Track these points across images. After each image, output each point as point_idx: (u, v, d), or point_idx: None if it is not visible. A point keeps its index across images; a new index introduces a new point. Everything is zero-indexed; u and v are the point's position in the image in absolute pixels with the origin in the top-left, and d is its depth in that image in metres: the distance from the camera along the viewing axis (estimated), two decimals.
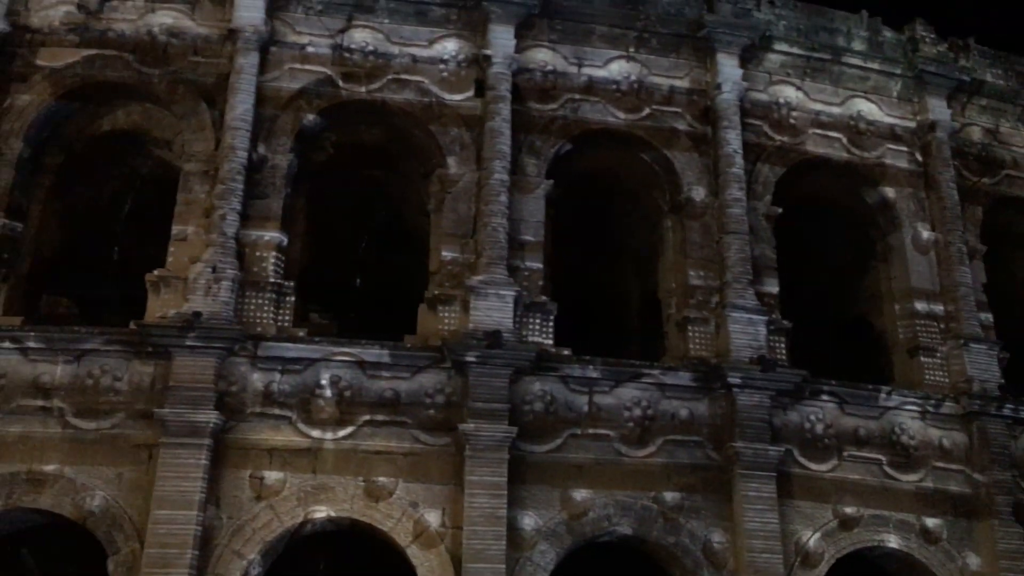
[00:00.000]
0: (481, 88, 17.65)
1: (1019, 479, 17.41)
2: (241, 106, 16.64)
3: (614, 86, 18.46)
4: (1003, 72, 21.38)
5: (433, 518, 14.73)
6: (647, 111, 18.46)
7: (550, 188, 17.58)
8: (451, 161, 17.27)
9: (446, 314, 16.13)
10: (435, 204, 17.30)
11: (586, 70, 18.46)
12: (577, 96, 18.26)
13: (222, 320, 15.08)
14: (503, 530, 14.47)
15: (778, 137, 18.97)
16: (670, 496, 15.71)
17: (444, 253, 16.64)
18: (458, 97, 17.68)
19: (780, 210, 18.48)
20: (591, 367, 16.05)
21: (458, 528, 14.56)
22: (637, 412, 16.07)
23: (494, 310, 15.82)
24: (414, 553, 14.57)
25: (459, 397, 15.36)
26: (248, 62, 16.95)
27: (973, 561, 16.66)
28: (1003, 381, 17.91)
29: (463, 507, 14.59)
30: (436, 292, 16.37)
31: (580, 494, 15.38)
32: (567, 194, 18.17)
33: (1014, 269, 21.26)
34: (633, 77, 18.60)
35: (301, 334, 15.80)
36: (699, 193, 18.12)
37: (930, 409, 17.37)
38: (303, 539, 15.27)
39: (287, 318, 15.91)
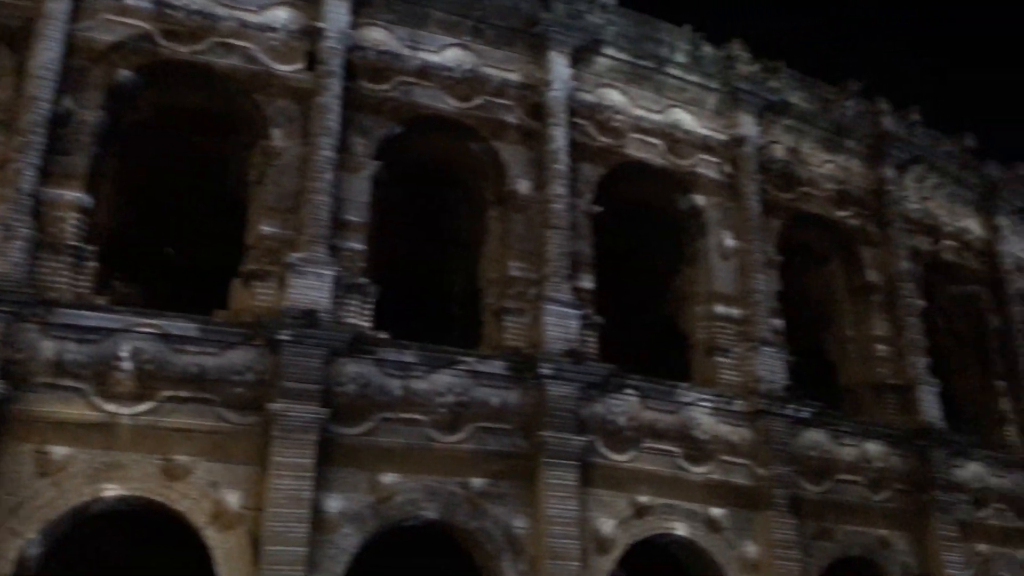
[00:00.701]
0: (312, 61, 17.22)
1: (797, 474, 18.87)
2: (47, 54, 15.46)
3: (448, 73, 18.48)
4: (808, 95, 23.03)
5: (234, 499, 14.30)
6: (479, 101, 18.60)
7: (378, 169, 17.41)
8: (276, 133, 16.76)
9: (261, 290, 15.66)
10: (257, 176, 16.74)
11: (421, 54, 18.38)
12: (410, 79, 18.16)
13: (11, 282, 13.99)
14: (307, 512, 14.26)
15: (602, 138, 19.60)
16: (477, 482, 15.98)
17: (263, 227, 16.15)
18: (287, 68, 17.17)
19: (600, 209, 19.10)
20: (407, 352, 16.05)
21: (260, 510, 14.22)
22: (450, 398, 16.23)
23: (312, 289, 15.52)
24: (211, 534, 14.10)
25: (270, 376, 14.96)
26: (58, 7, 15.75)
27: (751, 549, 17.91)
28: (788, 383, 19.31)
29: (266, 488, 14.26)
30: (252, 267, 15.86)
31: (388, 478, 15.37)
32: (397, 178, 18.05)
33: (804, 280, 22.95)
34: (467, 66, 18.70)
35: (100, 302, 14.90)
36: (524, 186, 18.46)
37: (722, 406, 18.51)
38: (94, 518, 14.47)
39: (87, 284, 14.95)
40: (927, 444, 20.70)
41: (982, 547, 21.34)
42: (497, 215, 18.62)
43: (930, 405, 21.37)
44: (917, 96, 25.49)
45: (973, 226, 25.78)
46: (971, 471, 21.82)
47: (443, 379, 16.28)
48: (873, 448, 20.36)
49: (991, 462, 22.29)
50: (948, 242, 24.86)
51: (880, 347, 21.99)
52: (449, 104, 18.35)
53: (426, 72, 18.30)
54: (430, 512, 15.62)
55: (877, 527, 19.86)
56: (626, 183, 20.10)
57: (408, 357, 16.04)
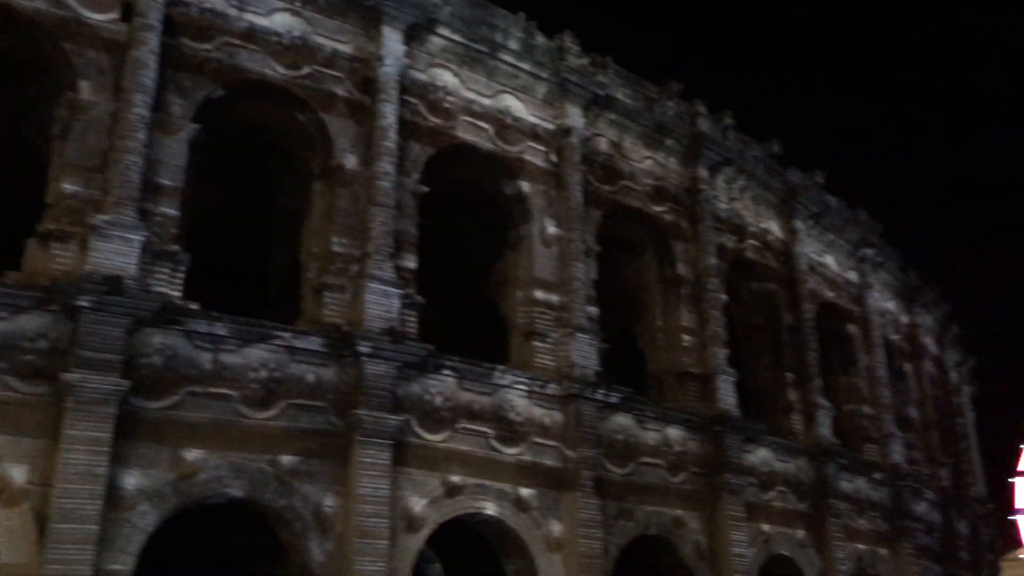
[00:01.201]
0: (128, 12, 16.16)
1: (603, 457, 19.63)
2: None
3: (276, 38, 17.85)
4: (632, 92, 23.86)
5: (19, 473, 13.32)
6: (307, 70, 18.10)
7: (196, 133, 16.59)
8: (84, 85, 15.63)
9: (60, 252, 14.60)
10: (61, 130, 15.53)
11: (248, 16, 17.64)
12: (236, 41, 17.39)
13: None
14: (100, 489, 13.48)
15: (432, 118, 19.55)
16: (287, 460, 15.65)
17: (65, 185, 15.05)
18: (100, 17, 16.03)
19: (427, 189, 19.06)
20: (219, 324, 15.44)
21: (48, 485, 13.34)
22: (263, 374, 15.78)
23: (117, 254, 14.61)
24: None
25: (65, 344, 14.01)
26: None
27: (556, 528, 18.51)
28: (600, 369, 20.02)
29: (56, 463, 13.38)
30: (51, 227, 14.76)
31: (193, 454, 14.78)
32: (217, 143, 17.27)
33: (620, 270, 23.84)
34: (297, 33, 18.14)
35: None
36: (351, 161, 18.16)
37: (536, 389, 18.98)
38: None
39: None
40: (722, 430, 22.06)
41: (765, 527, 23.01)
42: (322, 189, 18.23)
43: (727, 393, 22.78)
44: (731, 101, 26.99)
45: (774, 228, 27.62)
46: (759, 456, 23.45)
47: (257, 353, 15.80)
48: (674, 433, 21.48)
49: (777, 448, 24.03)
50: (751, 241, 26.52)
51: (686, 337, 23.21)
52: (276, 71, 17.74)
53: (253, 35, 17.59)
54: (236, 490, 15.15)
55: (674, 507, 20.99)
56: (454, 165, 20.17)
57: (220, 330, 15.44)
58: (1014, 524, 67.95)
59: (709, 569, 21.18)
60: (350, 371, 16.54)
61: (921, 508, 29.88)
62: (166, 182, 15.92)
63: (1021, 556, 70.27)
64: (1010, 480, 68.11)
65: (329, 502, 15.81)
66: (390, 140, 18.39)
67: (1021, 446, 69.05)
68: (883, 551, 27.14)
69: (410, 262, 18.30)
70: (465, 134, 20.08)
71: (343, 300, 17.18)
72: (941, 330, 39.02)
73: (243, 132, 18.45)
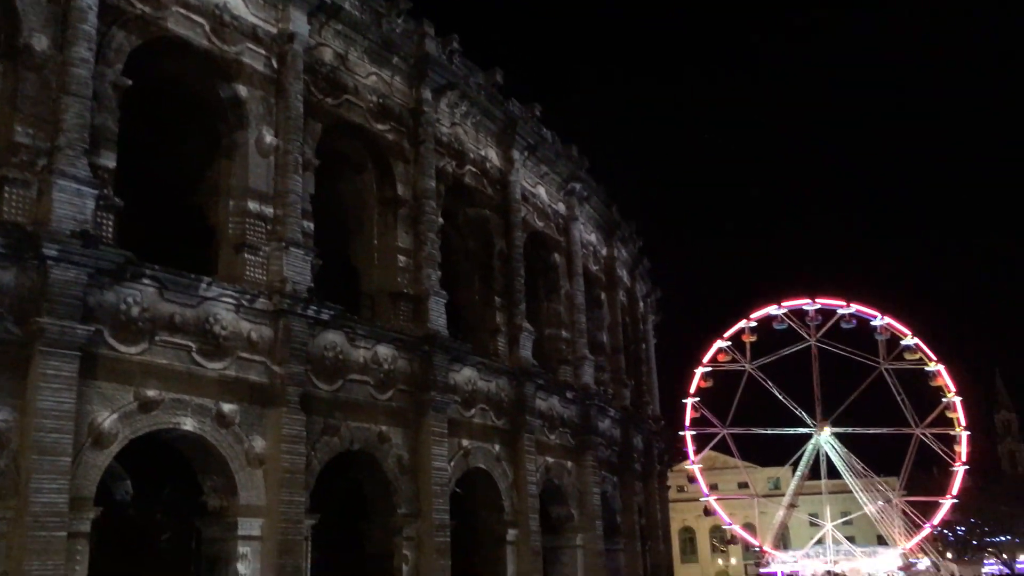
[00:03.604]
0: None
1: (311, 373, 19.51)
2: None
3: None
4: (360, 5, 23.26)
5: None
6: None
7: None
8: None
9: None
10: None
11: None
12: None
13: None
14: None
15: (140, 6, 17.91)
16: None
17: None
18: None
19: (130, 82, 17.53)
20: None
21: None
22: None
23: None
24: None
25: None
26: None
27: (259, 443, 18.25)
28: (312, 285, 19.73)
29: None
30: None
31: None
32: None
33: (339, 187, 23.48)
34: None
35: None
36: (41, 42, 16.24)
37: (245, 303, 18.37)
38: None
39: None
40: (431, 349, 22.69)
41: (465, 442, 24.16)
42: (4, 70, 16.16)
43: (437, 314, 23.42)
44: (459, 25, 27.12)
45: (493, 156, 28.43)
46: (464, 375, 24.45)
47: None
48: (384, 351, 21.78)
49: (482, 368, 25.17)
50: (470, 168, 27.15)
51: (401, 258, 23.47)
52: None
53: None
54: None
55: (379, 423, 21.42)
56: (164, 60, 18.70)
57: None
58: (682, 439, 76.73)
59: (410, 482, 21.93)
60: (33, 275, 15.07)
61: (605, 424, 32.71)
62: None
63: (686, 467, 79.63)
64: (683, 401, 76.57)
65: (4, 416, 14.48)
66: (89, 24, 16.62)
67: (695, 371, 77.67)
68: (569, 463, 29.50)
69: (108, 160, 16.85)
70: (177, 27, 18.61)
71: (27, 197, 15.53)
72: (634, 263, 42.51)
73: None
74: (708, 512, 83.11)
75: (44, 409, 14.64)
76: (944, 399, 76.03)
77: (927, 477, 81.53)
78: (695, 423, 77.37)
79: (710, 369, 77.29)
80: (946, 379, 75.94)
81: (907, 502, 79.87)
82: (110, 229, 16.44)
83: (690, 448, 77.19)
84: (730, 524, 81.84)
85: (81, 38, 16.46)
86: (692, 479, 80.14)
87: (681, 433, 75.31)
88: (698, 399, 77.00)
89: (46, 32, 16.30)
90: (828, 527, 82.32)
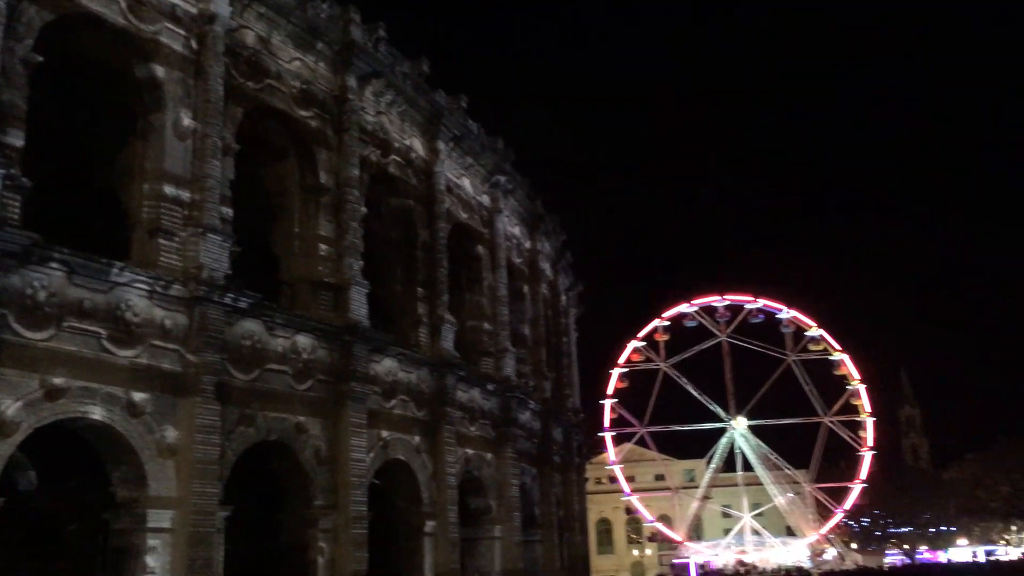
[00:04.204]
0: None
1: (228, 362, 19.13)
2: None
3: None
4: None
5: None
6: None
7: None
8: None
9: None
10: None
11: None
12: None
13: None
14: None
15: None
16: None
17: None
18: None
19: (41, 59, 16.90)
20: None
21: None
22: None
23: None
24: None
25: None
26: None
27: (171, 434, 17.82)
28: (230, 272, 19.33)
29: None
30: None
31: None
32: None
33: (259, 173, 23.06)
34: None
35: None
36: None
37: (159, 289, 17.91)
38: None
39: None
40: (352, 340, 22.48)
41: (385, 433, 24.02)
42: None
43: (359, 304, 23.21)
44: (385, 12, 26.84)
45: (418, 146, 28.27)
46: (385, 366, 24.29)
47: None
48: (303, 340, 21.49)
49: (403, 359, 25.04)
50: (395, 157, 26.95)
51: (322, 247, 23.17)
52: None
53: None
54: None
55: (297, 414, 21.14)
56: (78, 36, 18.07)
57: None
58: (602, 438, 77.81)
59: (328, 473, 21.70)
60: None
61: (525, 416, 32.90)
62: None
63: (606, 467, 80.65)
64: (600, 402, 77.52)
65: None
66: None
67: (611, 371, 78.64)
68: (489, 455, 29.59)
69: (16, 139, 16.21)
70: (91, 3, 18.00)
71: None
72: (557, 256, 42.80)
73: None
74: (630, 511, 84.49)
75: None
76: (848, 387, 78.74)
77: (836, 466, 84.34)
78: (614, 423, 78.39)
79: (626, 369, 78.43)
80: (850, 368, 78.66)
81: (819, 489, 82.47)
82: (17, 210, 15.79)
83: (611, 449, 78.19)
84: (652, 521, 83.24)
85: None
86: (613, 479, 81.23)
87: (601, 434, 76.19)
88: (616, 400, 78.01)
89: None
90: (746, 518, 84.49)
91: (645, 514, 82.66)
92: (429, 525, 25.49)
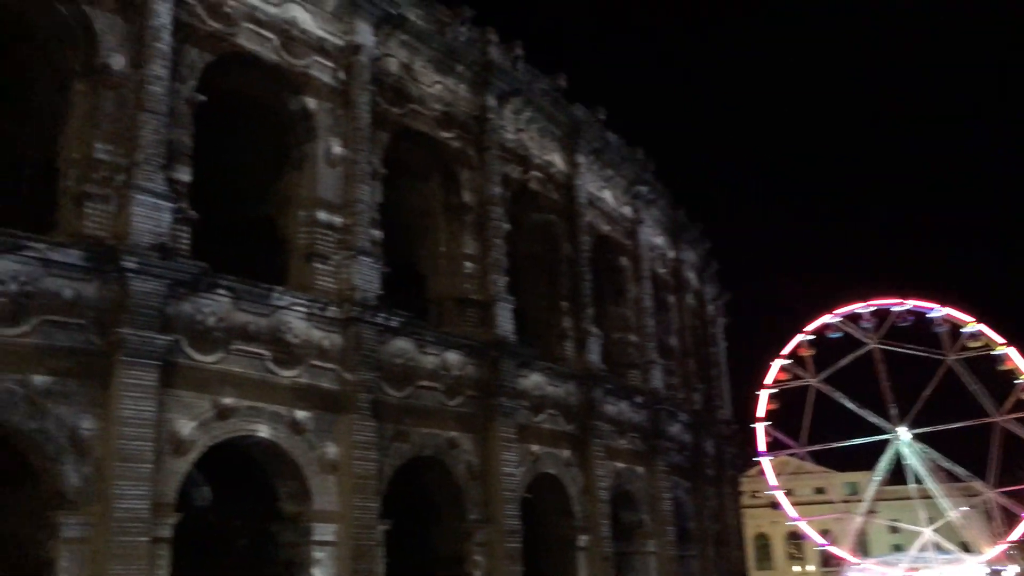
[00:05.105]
0: None
1: (381, 380, 19.73)
2: None
3: None
4: (424, 14, 23.50)
5: None
6: None
7: None
8: None
9: None
10: None
11: None
12: None
13: None
14: None
15: (212, 23, 18.38)
16: (40, 380, 14.61)
17: None
18: None
19: (204, 98, 18.00)
20: None
21: None
22: (13, 287, 14.56)
23: None
24: None
25: None
26: None
27: (332, 450, 18.51)
28: (381, 292, 19.97)
29: None
30: None
31: None
32: None
33: (405, 195, 23.72)
34: None
35: None
36: (119, 62, 16.78)
37: (316, 311, 18.68)
38: None
39: None
40: (498, 355, 22.76)
41: (535, 447, 24.15)
42: (84, 89, 16.74)
43: (505, 320, 23.47)
44: (522, 31, 27.21)
45: (557, 161, 28.42)
46: (532, 380, 24.46)
47: (6, 265, 14.52)
48: (452, 357, 21.92)
49: (550, 373, 25.15)
50: (535, 173, 27.19)
51: (467, 264, 23.60)
52: None
53: None
54: None
55: (449, 429, 21.55)
56: (235, 75, 19.14)
57: None
58: (753, 436, 75.14)
59: (480, 488, 22.01)
60: (114, 287, 15.54)
61: (675, 429, 32.39)
62: None
63: (766, 493, 77.79)
64: (751, 426, 75.01)
65: (87, 424, 14.94)
66: (163, 42, 17.12)
67: (758, 392, 76.03)
68: (639, 469, 29.27)
69: (183, 175, 17.31)
70: (247, 42, 19.05)
71: (107, 211, 16.03)
72: (702, 266, 42.02)
73: None
74: (797, 535, 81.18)
75: (126, 417, 15.09)
76: (1017, 381, 73.09)
77: (1020, 468, 78.24)
78: (770, 447, 75.41)
79: (775, 390, 75.48)
80: (1017, 361, 72.87)
81: (1002, 494, 76.84)
82: (186, 242, 16.87)
83: (770, 473, 75.19)
84: (825, 545, 79.48)
85: (156, 56, 16.97)
86: (776, 505, 78.18)
87: (756, 460, 73.68)
88: (769, 422, 75.13)
89: (123, 51, 16.84)
90: (927, 532, 79.80)
91: (816, 538, 79.17)
92: (582, 539, 25.42)
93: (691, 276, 39.79)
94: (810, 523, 79.88)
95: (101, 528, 14.68)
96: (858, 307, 77.22)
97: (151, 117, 16.67)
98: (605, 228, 30.69)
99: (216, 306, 17.08)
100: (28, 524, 15.20)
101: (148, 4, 17.06)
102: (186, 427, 16.24)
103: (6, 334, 14.38)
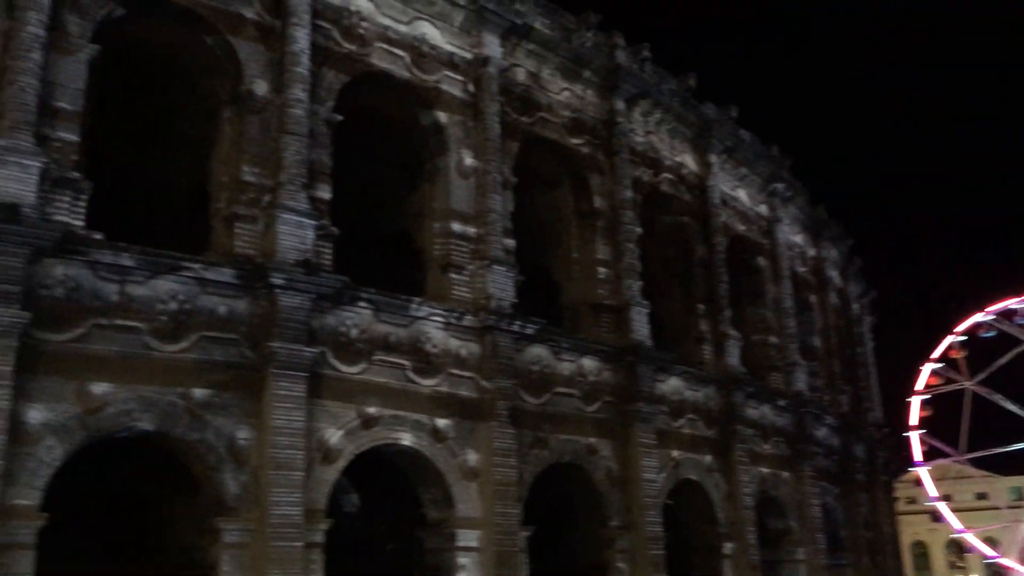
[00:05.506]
0: None
1: (519, 387, 19.89)
2: None
3: None
4: (550, 23, 23.60)
5: None
6: None
7: (95, 54, 15.82)
8: None
9: None
10: None
11: None
12: None
13: None
14: (3, 423, 13.10)
15: (346, 45, 19.03)
16: (199, 393, 15.43)
17: None
18: None
19: (341, 117, 18.64)
20: (125, 255, 14.95)
21: None
22: (173, 306, 15.42)
23: (14, 180, 13.95)
24: None
25: None
26: None
27: (472, 457, 18.77)
28: (516, 300, 20.14)
29: None
30: None
31: (100, 388, 14.44)
32: (118, 66, 16.52)
33: (536, 203, 23.86)
34: None
35: None
36: (261, 87, 17.60)
37: (453, 321, 19.01)
38: None
39: None
40: (635, 360, 22.55)
41: (675, 453, 23.78)
42: (230, 116, 17.65)
43: (640, 324, 23.24)
44: (649, 33, 26.94)
45: (688, 161, 27.96)
46: (671, 385, 24.11)
47: (166, 285, 15.41)
48: (588, 363, 21.87)
49: (688, 377, 24.73)
50: (666, 175, 26.83)
51: (600, 269, 23.51)
52: None
53: None
54: (145, 423, 14.90)
55: (587, 435, 21.49)
56: (369, 93, 19.73)
57: (126, 260, 14.97)
58: (907, 443, 71.54)
59: (620, 494, 21.84)
60: (263, 303, 16.27)
61: (821, 433, 31.25)
62: (64, 106, 15.19)
63: (926, 504, 73.81)
64: (907, 400, 71.45)
65: (243, 435, 15.68)
66: (302, 66, 17.85)
67: (909, 400, 72.28)
68: (785, 474, 28.39)
69: (324, 192, 17.97)
70: (380, 61, 19.63)
71: (255, 231, 16.82)
72: (845, 263, 40.41)
73: (144, 55, 17.68)
74: (962, 547, 76.75)
75: (278, 427, 15.77)
76: None
77: None
78: (927, 456, 71.45)
79: (928, 396, 71.48)
80: None
81: None
82: (329, 257, 17.51)
83: (929, 484, 71.29)
84: (995, 557, 74.72)
85: (296, 80, 17.70)
86: (938, 518, 74.09)
87: (911, 470, 70.08)
88: (923, 430, 71.26)
89: (265, 77, 17.65)
90: None
91: (985, 550, 74.57)
92: (727, 547, 24.84)
93: (833, 274, 38.33)
94: (969, 528, 75.37)
95: (259, 534, 15.36)
96: (1012, 303, 72.47)
97: (293, 139, 17.39)
98: (740, 228, 29.98)
99: (358, 318, 17.63)
100: (192, 531, 16.05)
101: (287, 31, 17.84)
102: (334, 436, 16.81)
103: (168, 350, 15.26)
